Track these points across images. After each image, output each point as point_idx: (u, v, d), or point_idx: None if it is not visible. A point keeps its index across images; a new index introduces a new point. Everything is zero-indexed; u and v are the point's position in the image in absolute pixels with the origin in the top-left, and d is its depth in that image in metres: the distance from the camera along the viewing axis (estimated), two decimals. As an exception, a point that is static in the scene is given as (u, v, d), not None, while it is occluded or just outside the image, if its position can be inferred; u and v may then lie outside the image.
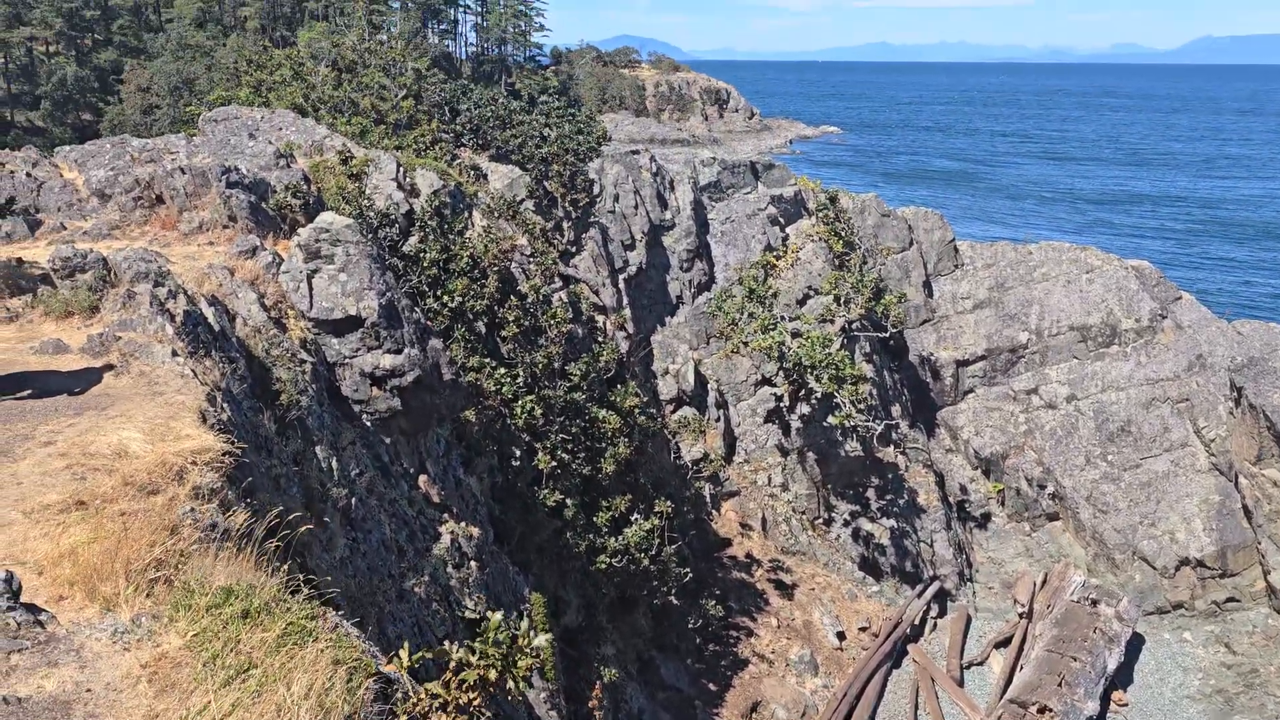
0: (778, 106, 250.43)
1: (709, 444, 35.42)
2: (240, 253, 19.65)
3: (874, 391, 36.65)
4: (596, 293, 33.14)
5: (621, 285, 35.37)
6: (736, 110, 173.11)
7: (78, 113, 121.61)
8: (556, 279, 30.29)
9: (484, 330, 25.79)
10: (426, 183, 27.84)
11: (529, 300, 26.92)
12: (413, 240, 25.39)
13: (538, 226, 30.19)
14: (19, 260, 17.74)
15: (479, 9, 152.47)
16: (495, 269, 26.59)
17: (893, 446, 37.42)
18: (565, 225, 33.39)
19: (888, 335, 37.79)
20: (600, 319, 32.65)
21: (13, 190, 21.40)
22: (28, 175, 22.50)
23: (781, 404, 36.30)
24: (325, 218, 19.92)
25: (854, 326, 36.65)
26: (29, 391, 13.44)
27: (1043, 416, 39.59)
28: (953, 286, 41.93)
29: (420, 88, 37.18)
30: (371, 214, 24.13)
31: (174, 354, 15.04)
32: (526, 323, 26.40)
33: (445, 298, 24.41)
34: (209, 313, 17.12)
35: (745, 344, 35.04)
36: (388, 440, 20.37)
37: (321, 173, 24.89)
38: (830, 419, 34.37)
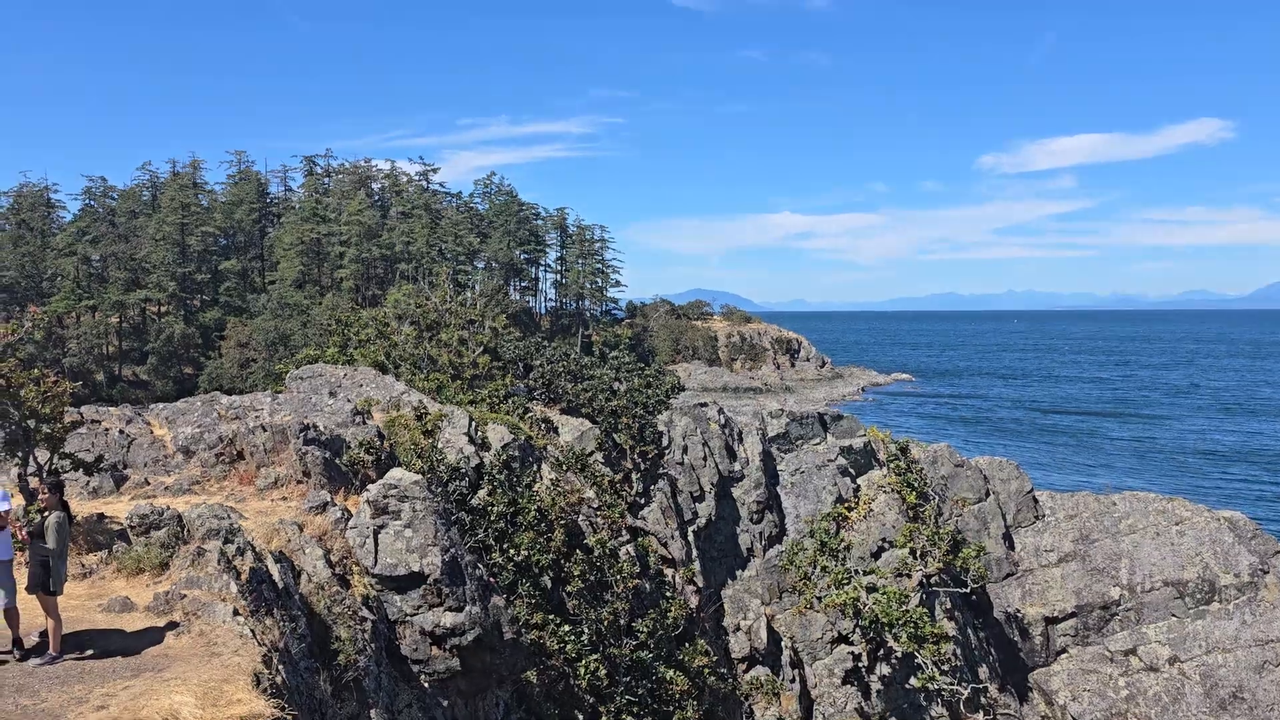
0: (849, 355, 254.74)
1: (784, 708, 33.55)
2: (311, 508, 20.00)
3: (958, 651, 34.74)
4: (665, 545, 32.72)
5: (691, 538, 34.93)
6: (808, 359, 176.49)
7: (180, 367, 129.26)
8: (624, 532, 30.07)
9: (549, 585, 25.42)
10: (497, 437, 28.45)
11: (596, 554, 26.64)
12: (481, 494, 25.65)
13: (606, 479, 30.35)
14: (100, 516, 18.29)
15: (558, 267, 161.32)
16: (562, 522, 26.56)
17: (982, 713, 34.98)
18: (634, 477, 33.52)
19: (969, 590, 36.25)
20: (669, 572, 32.04)
21: (104, 448, 22.39)
22: (120, 432, 23.60)
23: (860, 664, 34.52)
24: (395, 474, 20.32)
25: (932, 581, 35.33)
26: (91, 651, 13.48)
27: (1145, 680, 36.88)
28: (1035, 539, 40.51)
29: (497, 344, 38.82)
30: (442, 468, 24.57)
31: (235, 613, 15.03)
32: (593, 577, 26.01)
33: (511, 551, 24.29)
34: (274, 570, 17.22)
35: (819, 599, 33.88)
36: (445, 703, 19.72)
37: (396, 428, 25.65)
38: (912, 681, 32.48)
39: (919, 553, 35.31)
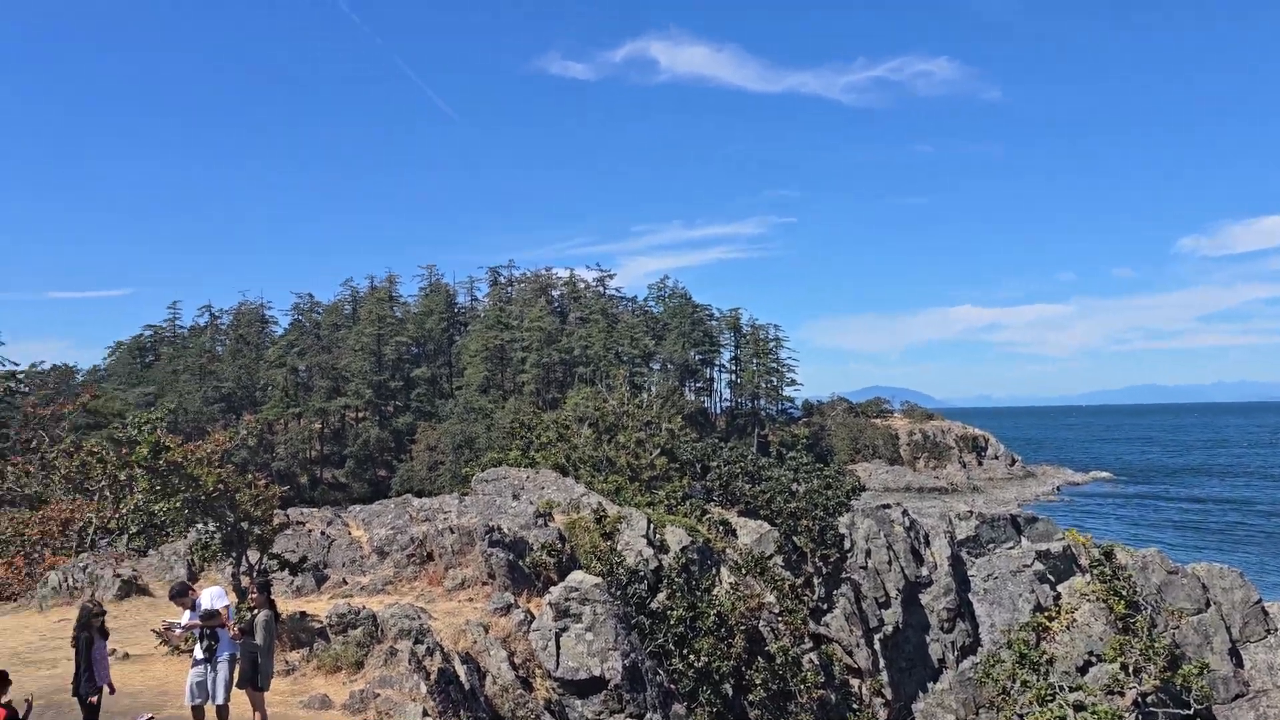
0: (1040, 453, 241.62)
1: (985, 835, 31.08)
2: (495, 610, 20.37)
3: (1182, 780, 31.40)
4: (850, 654, 31.42)
5: (877, 646, 33.41)
6: (996, 457, 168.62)
7: (375, 469, 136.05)
8: (807, 638, 29.10)
9: (730, 693, 24.77)
10: (676, 539, 28.33)
11: (778, 661, 25.84)
12: (660, 597, 25.46)
13: (787, 583, 29.60)
14: (302, 614, 19.21)
15: (733, 367, 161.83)
16: (743, 628, 25.98)
17: None
18: (815, 581, 32.55)
19: (1192, 713, 32.91)
20: (855, 683, 30.66)
21: (308, 548, 23.65)
22: (322, 534, 24.91)
23: (1069, 790, 31.67)
24: (575, 576, 20.50)
25: (1149, 700, 32.30)
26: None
27: None
28: (1268, 655, 36.58)
29: (674, 445, 38.97)
30: (621, 571, 24.60)
31: (425, 714, 15.33)
32: (775, 686, 25.19)
33: (691, 657, 23.88)
34: (461, 671, 17.54)
35: (1020, 717, 31.52)
36: (626, 814, 19.34)
37: (577, 530, 25.96)
38: (1131, 813, 29.51)
39: (1132, 669, 32.47)
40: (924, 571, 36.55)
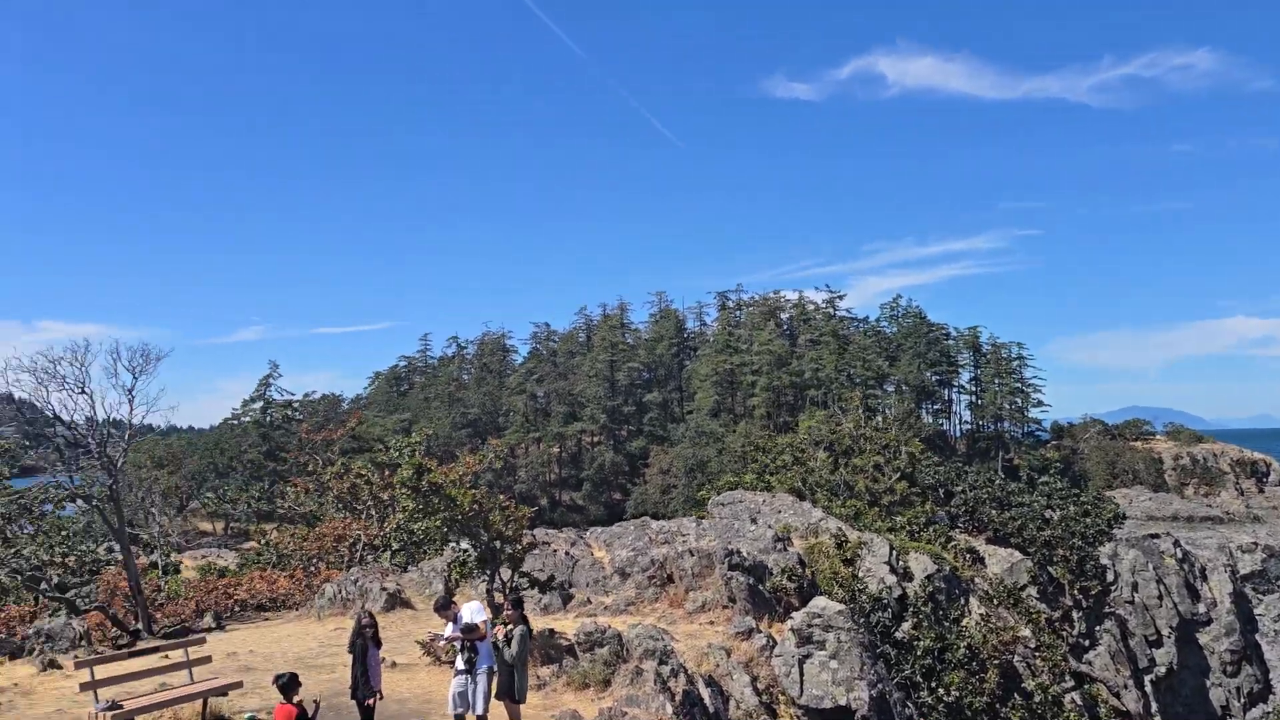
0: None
1: None
2: (737, 634, 20.26)
3: None
4: (1117, 695, 29.02)
5: (1148, 688, 30.69)
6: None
7: (610, 492, 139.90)
8: (1067, 677, 27.13)
9: (984, 731, 23.42)
10: (920, 567, 27.22)
11: (1036, 700, 24.23)
12: (905, 626, 24.51)
13: (1043, 616, 27.77)
14: (550, 631, 19.85)
15: (972, 388, 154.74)
16: (995, 662, 24.55)
17: None
18: (1075, 615, 30.35)
19: None
20: (1123, 727, 28.28)
21: (553, 567, 24.47)
22: (566, 554, 25.72)
23: None
24: (818, 602, 20.07)
25: None
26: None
27: None
28: None
29: (914, 469, 37.60)
30: (864, 598, 23.89)
31: (671, 735, 15.40)
32: (1033, 726, 23.60)
33: (940, 691, 22.79)
34: (705, 694, 17.52)
35: (1323, 776, 28.02)
36: None
37: (816, 555, 25.47)
38: None
39: None
40: (1200, 608, 33.32)
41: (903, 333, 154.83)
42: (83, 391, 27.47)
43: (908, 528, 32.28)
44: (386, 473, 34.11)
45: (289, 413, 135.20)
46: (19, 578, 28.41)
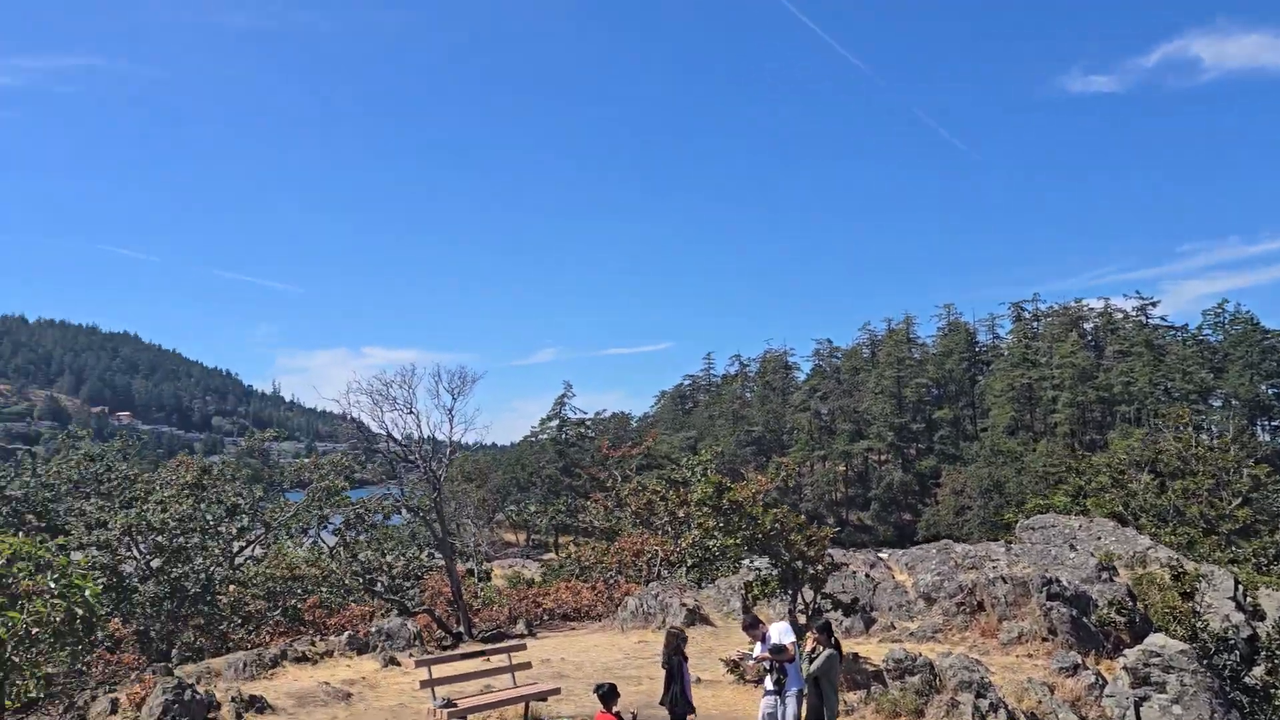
0: None
1: None
2: (1060, 669, 18.80)
3: None
4: None
5: None
6: None
7: (899, 513, 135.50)
8: None
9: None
10: (1273, 604, 24.06)
11: None
12: (1258, 671, 21.71)
13: None
14: (855, 656, 19.30)
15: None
16: (1376, 719, 21.16)
17: None
18: None
19: None
20: None
21: (853, 589, 23.84)
22: (865, 576, 24.99)
23: None
24: (1155, 640, 18.21)
25: None
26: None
27: None
28: None
29: (1258, 494, 33.46)
30: (1206, 637, 21.42)
31: (994, 775, 14.48)
32: None
33: (1307, 750, 19.97)
34: (1028, 733, 16.37)
35: None
36: None
37: (1146, 587, 23.19)
38: None
39: None
40: None
41: (1230, 341, 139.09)
42: (410, 411, 30.19)
43: (1253, 560, 28.73)
44: (680, 489, 34.81)
45: (582, 430, 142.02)
46: (360, 580, 31.45)
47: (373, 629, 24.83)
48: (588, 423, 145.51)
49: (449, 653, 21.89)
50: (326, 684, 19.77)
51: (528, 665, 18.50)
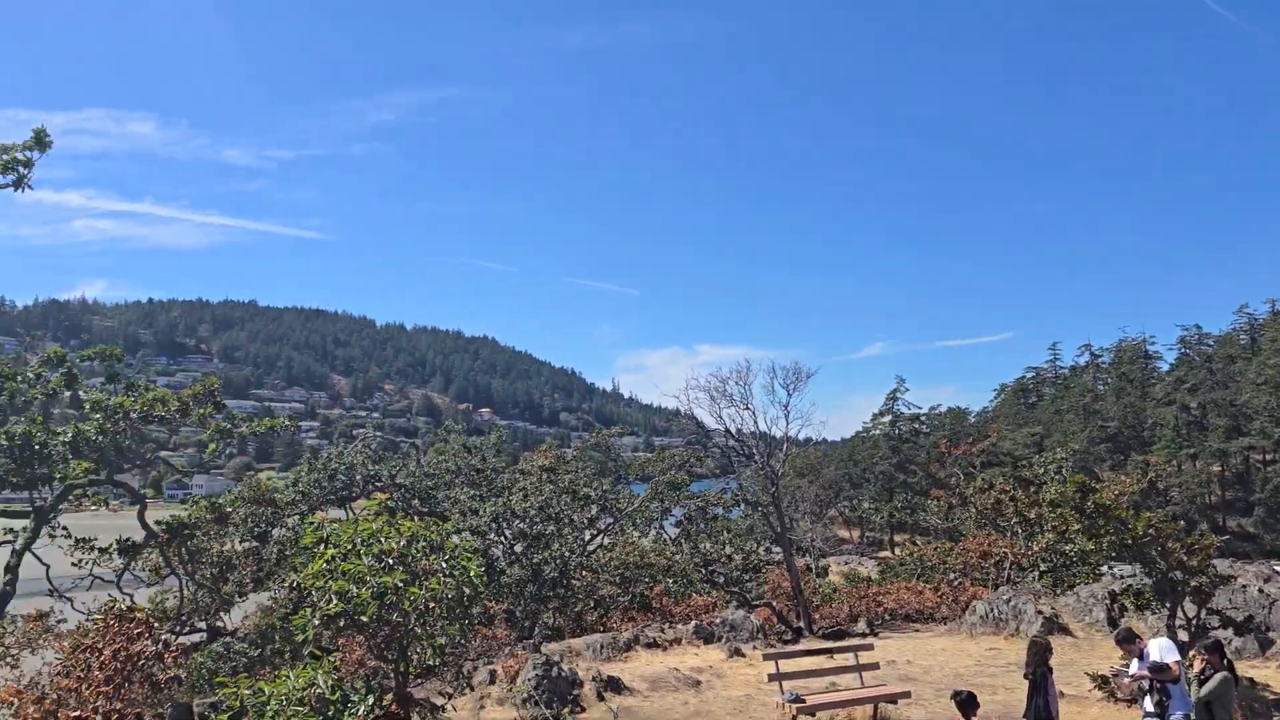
0: None
1: None
2: None
3: None
4: None
5: None
6: None
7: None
8: None
9: None
10: None
11: None
12: None
13: None
14: (1251, 681, 17.13)
15: None
16: None
17: None
18: None
19: None
20: None
21: (1245, 606, 21.16)
22: (1259, 590, 22.10)
23: None
24: None
25: None
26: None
27: None
28: None
29: None
30: None
31: None
32: None
33: None
34: None
35: None
36: None
37: None
38: None
39: None
40: None
41: None
42: (746, 407, 30.66)
43: None
44: (1031, 489, 32.66)
45: (916, 425, 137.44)
46: (702, 570, 32.38)
47: (717, 620, 25.48)
48: (922, 418, 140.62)
49: (792, 648, 21.96)
50: (676, 670, 20.52)
51: (875, 666, 18.11)
